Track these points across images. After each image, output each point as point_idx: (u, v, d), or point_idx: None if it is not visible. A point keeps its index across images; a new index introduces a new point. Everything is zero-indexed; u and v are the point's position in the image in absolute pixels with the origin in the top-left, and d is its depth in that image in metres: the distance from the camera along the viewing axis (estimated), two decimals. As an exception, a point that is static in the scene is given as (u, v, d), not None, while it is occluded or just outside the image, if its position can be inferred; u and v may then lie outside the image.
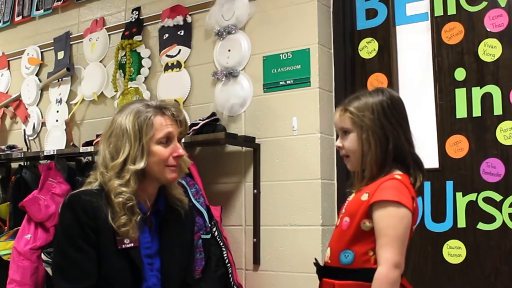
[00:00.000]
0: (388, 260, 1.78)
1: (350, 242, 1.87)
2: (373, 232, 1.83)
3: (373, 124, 1.91)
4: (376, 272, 1.79)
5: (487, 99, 2.75)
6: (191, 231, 2.20)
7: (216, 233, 2.91)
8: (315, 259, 2.06)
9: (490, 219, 2.69)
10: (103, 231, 1.89)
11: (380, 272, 1.78)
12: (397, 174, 1.90)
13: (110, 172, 1.92)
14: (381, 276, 1.78)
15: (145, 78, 3.60)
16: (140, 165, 1.92)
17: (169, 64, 3.48)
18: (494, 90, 2.74)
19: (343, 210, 1.97)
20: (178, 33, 3.48)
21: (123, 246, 1.91)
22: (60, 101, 4.02)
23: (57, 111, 4.01)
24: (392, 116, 1.93)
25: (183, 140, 2.09)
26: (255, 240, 3.04)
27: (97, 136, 3.41)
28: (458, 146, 2.80)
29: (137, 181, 1.92)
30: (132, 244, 1.92)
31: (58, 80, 4.04)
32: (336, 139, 2.10)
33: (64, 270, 1.90)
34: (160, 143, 1.96)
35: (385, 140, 1.90)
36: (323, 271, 1.97)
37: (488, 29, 2.78)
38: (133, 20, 3.72)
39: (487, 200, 2.71)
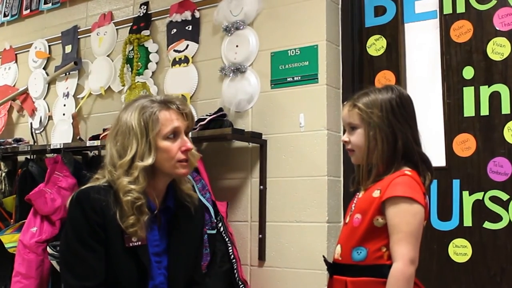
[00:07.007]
0: (403, 256, 1.79)
1: (362, 238, 1.87)
2: (386, 228, 1.83)
3: (380, 121, 1.91)
4: (392, 269, 1.79)
5: (495, 98, 2.75)
6: (201, 227, 2.19)
7: (221, 229, 2.91)
8: (324, 257, 2.06)
9: (497, 218, 2.69)
10: (111, 229, 1.88)
11: (396, 268, 1.78)
12: (407, 170, 1.90)
13: (119, 170, 1.91)
14: (397, 272, 1.78)
15: (153, 73, 3.61)
16: (148, 161, 1.91)
17: (177, 59, 3.48)
18: (503, 89, 2.73)
19: (353, 208, 1.97)
20: (186, 28, 3.48)
21: (131, 245, 1.90)
22: (67, 95, 4.02)
23: (64, 105, 4.02)
24: (400, 115, 1.92)
25: (190, 134, 2.08)
26: (260, 236, 3.04)
27: (104, 130, 3.41)
28: (466, 145, 2.79)
29: (146, 178, 1.91)
30: (139, 243, 1.91)
31: (66, 74, 4.04)
32: (343, 134, 2.09)
33: (72, 266, 1.90)
34: (168, 138, 1.94)
35: (392, 138, 1.90)
36: (334, 268, 1.97)
37: (497, 28, 2.78)
38: (141, 14, 3.72)
39: (493, 199, 2.70)
